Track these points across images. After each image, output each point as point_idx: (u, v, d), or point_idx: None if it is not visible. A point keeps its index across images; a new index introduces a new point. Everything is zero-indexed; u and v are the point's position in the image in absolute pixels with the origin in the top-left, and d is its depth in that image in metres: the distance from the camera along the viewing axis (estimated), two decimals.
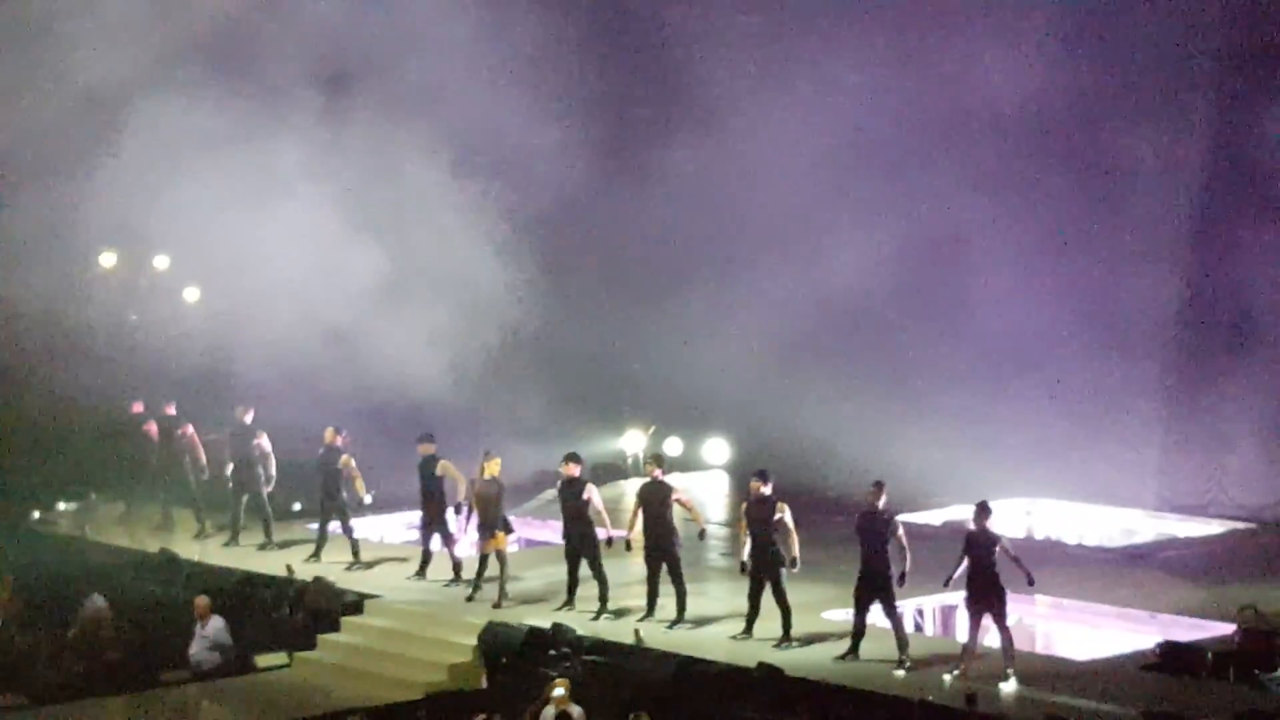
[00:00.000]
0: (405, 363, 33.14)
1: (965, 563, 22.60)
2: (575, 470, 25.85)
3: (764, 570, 23.99)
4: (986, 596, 22.47)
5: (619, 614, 25.50)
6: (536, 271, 36.16)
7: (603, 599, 25.61)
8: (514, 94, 34.93)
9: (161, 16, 33.90)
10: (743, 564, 24.24)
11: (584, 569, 25.83)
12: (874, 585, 23.16)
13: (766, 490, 24.05)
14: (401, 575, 28.41)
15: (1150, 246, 33.28)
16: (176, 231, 35.65)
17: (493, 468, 26.49)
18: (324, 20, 34.42)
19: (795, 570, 24.03)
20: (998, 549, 22.47)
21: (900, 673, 22.74)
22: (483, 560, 26.75)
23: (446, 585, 27.67)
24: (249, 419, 30.57)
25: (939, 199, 34.36)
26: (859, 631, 23.32)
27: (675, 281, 37.09)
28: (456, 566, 27.84)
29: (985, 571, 22.44)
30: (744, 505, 24.36)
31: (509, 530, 26.76)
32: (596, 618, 25.42)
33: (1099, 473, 32.69)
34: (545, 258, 36.25)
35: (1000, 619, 22.49)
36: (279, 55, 34.03)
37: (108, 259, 38.81)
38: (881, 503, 23.26)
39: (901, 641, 23.07)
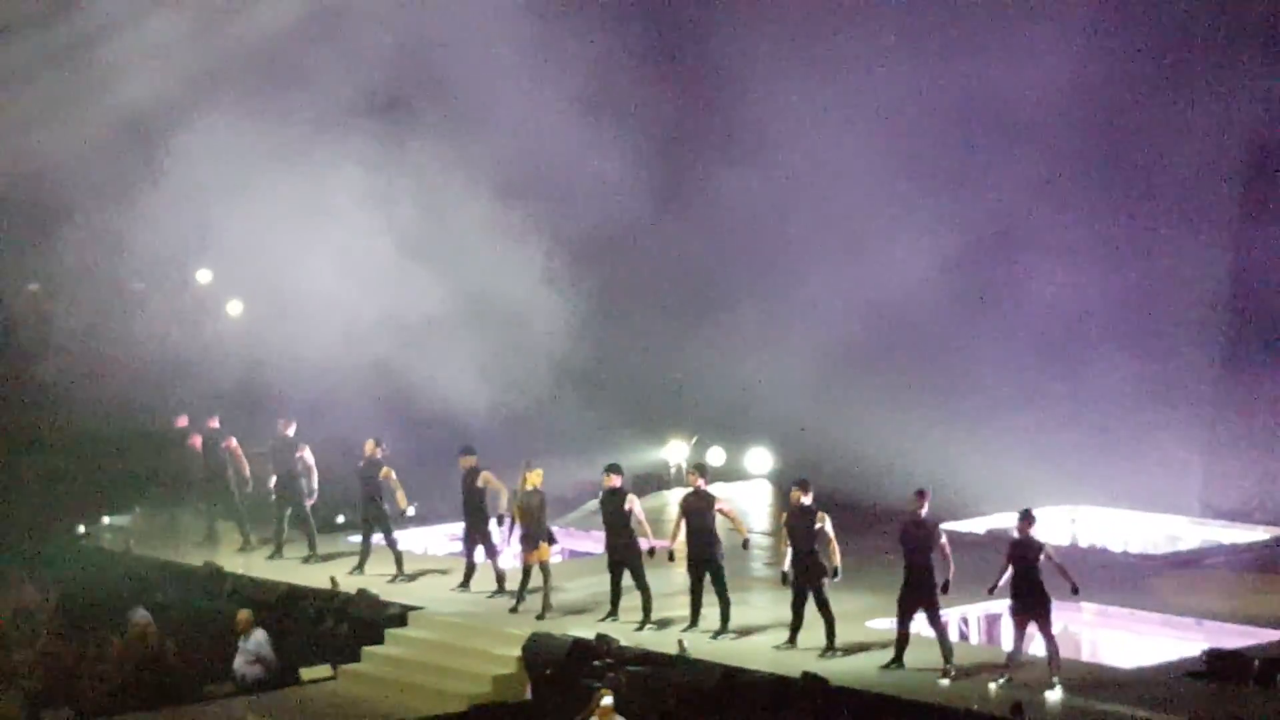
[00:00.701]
0: (449, 375, 33.16)
1: (1009, 570, 22.53)
2: (617, 481, 25.83)
3: (806, 580, 23.96)
4: (1031, 604, 22.39)
5: (663, 624, 25.48)
6: (584, 288, 36.17)
7: (646, 609, 25.59)
8: (567, 118, 34.96)
9: (212, 38, 34.06)
10: (784, 574, 24.22)
11: (627, 579, 25.82)
12: (918, 594, 23.09)
13: (807, 500, 24.02)
14: (445, 587, 28.42)
15: (1190, 252, 33.14)
16: (221, 246, 35.78)
17: (534, 478, 26.48)
18: (380, 45, 34.43)
19: (837, 579, 23.98)
20: (1042, 557, 22.39)
21: (945, 681, 22.66)
22: (526, 571, 26.74)
23: (490, 596, 27.67)
24: (291, 432, 30.63)
25: (979, 207, 34.25)
26: (903, 640, 23.24)
27: (722, 295, 37.07)
28: (500, 578, 27.85)
29: (1029, 579, 22.36)
30: (785, 515, 24.33)
31: (552, 541, 26.78)
32: (640, 628, 25.40)
33: (1143, 479, 32.55)
34: (594, 275, 36.24)
35: (1045, 627, 22.41)
36: (333, 78, 34.06)
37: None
38: (924, 511, 23.20)
39: (946, 650, 23.00)
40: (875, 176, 34.39)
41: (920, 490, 23.32)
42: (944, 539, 23.11)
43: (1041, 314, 33.78)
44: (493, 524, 27.79)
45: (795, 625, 24.20)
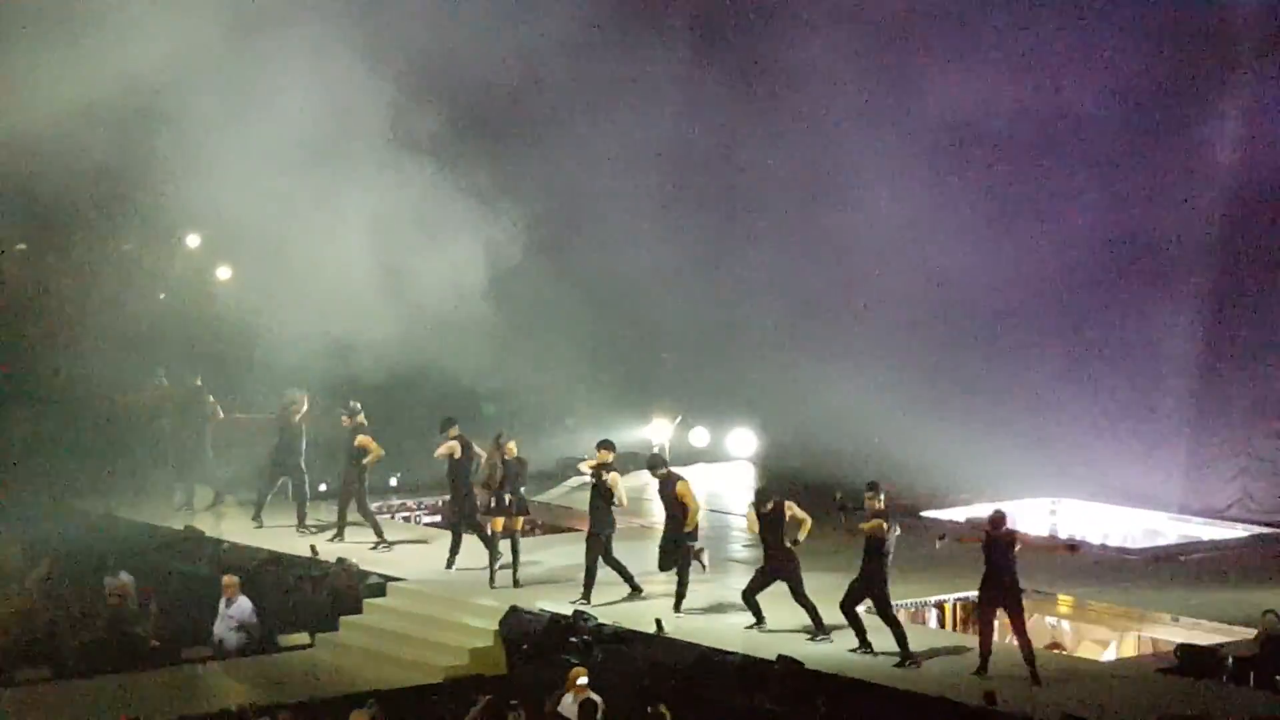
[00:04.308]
0: (439, 350, 33.15)
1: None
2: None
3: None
4: (1004, 599, 22.36)
5: (634, 600, 25.55)
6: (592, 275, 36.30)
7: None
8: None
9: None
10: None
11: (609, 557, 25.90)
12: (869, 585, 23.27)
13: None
14: (425, 558, 28.46)
15: (1180, 261, 33.23)
16: (212, 211, 35.66)
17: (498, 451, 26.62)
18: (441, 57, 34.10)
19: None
20: (1018, 548, 22.39)
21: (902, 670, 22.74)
22: (493, 540, 26.80)
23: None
24: (284, 401, 30.71)
25: (982, 209, 34.32)
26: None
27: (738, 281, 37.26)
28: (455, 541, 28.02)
29: (1004, 575, 22.33)
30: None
31: (508, 512, 26.74)
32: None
33: (1124, 474, 32.66)
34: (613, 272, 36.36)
35: (1018, 624, 22.38)
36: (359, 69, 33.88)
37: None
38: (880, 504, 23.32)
39: (900, 640, 23.07)
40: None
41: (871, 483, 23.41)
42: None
43: (1025, 313, 33.92)
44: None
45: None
